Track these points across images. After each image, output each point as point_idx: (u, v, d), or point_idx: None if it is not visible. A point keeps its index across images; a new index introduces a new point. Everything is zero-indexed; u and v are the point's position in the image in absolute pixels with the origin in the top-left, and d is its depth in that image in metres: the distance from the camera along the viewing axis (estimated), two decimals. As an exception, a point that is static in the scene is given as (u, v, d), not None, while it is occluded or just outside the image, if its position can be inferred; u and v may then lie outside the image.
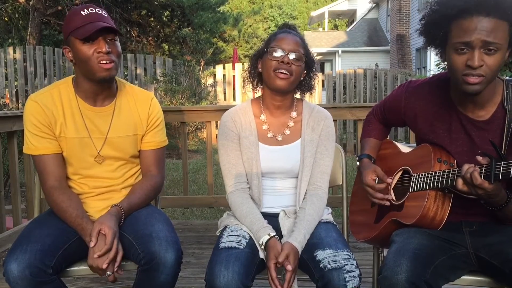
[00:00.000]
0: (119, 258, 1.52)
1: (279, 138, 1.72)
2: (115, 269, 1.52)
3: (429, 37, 1.49)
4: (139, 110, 1.75)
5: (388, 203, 1.63)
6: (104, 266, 1.48)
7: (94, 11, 1.58)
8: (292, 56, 1.62)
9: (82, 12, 1.57)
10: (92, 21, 1.55)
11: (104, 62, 1.57)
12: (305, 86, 1.76)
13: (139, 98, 1.77)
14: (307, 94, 1.79)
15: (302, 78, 1.71)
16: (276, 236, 1.55)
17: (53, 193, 1.62)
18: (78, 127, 1.66)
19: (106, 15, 1.61)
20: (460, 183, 1.38)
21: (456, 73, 1.41)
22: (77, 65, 1.62)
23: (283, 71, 1.61)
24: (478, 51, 1.35)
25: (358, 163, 1.80)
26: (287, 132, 1.72)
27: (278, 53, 1.62)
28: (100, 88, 1.67)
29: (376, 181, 1.68)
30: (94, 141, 1.68)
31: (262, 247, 1.54)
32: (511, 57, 1.44)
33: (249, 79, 1.78)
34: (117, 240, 1.54)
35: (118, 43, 1.63)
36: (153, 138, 1.78)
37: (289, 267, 1.45)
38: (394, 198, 1.65)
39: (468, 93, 1.41)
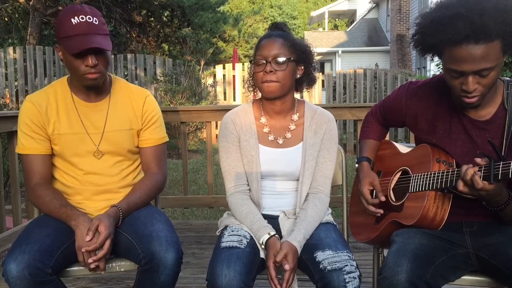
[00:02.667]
0: (100, 255, 1.52)
1: (280, 141, 1.71)
2: (94, 261, 1.53)
3: (422, 51, 1.50)
4: (134, 106, 1.77)
5: (379, 215, 1.65)
6: (85, 257, 1.51)
7: (84, 19, 1.54)
8: (274, 62, 1.60)
9: (72, 20, 1.54)
10: (82, 33, 1.53)
11: (89, 74, 1.59)
12: (306, 80, 1.73)
13: (134, 94, 1.79)
14: (307, 94, 1.78)
15: (299, 75, 1.69)
16: (276, 235, 1.55)
17: (37, 189, 1.65)
18: (72, 123, 1.69)
19: (97, 22, 1.57)
20: (460, 184, 1.38)
21: (453, 90, 1.44)
22: (65, 64, 1.64)
23: (268, 80, 1.60)
24: (471, 77, 1.36)
25: (356, 165, 1.80)
26: (288, 135, 1.71)
27: (261, 64, 1.61)
28: (93, 89, 1.70)
29: (373, 192, 1.70)
30: (92, 136, 1.70)
31: (263, 246, 1.54)
32: (510, 57, 1.44)
33: (250, 89, 1.77)
34: (110, 241, 1.55)
35: (108, 53, 1.62)
36: (151, 135, 1.79)
37: (287, 267, 1.45)
38: (394, 199, 1.65)
39: (466, 107, 1.45)
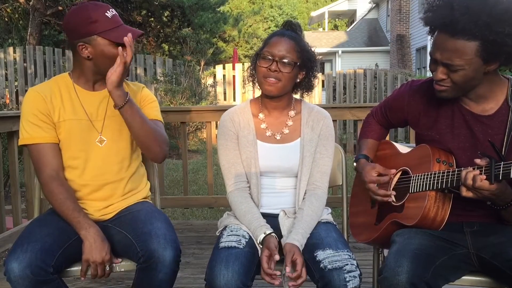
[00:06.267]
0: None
1: (278, 137, 1.72)
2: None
3: (429, 29, 1.52)
4: (132, 95, 1.75)
5: (391, 199, 1.63)
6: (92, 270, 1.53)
7: (115, 13, 1.65)
8: (280, 63, 1.61)
9: (106, 14, 1.61)
10: (120, 25, 1.63)
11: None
12: (304, 86, 1.74)
13: (131, 86, 1.82)
14: (307, 94, 1.78)
15: (299, 80, 1.70)
16: (273, 234, 1.55)
17: (51, 182, 1.62)
18: (76, 110, 1.69)
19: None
20: (463, 190, 1.38)
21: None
22: (95, 61, 1.64)
23: (270, 78, 1.61)
24: (440, 67, 1.42)
25: (355, 164, 1.80)
26: (286, 131, 1.72)
27: (267, 60, 1.62)
28: (102, 78, 1.69)
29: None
30: (94, 123, 1.70)
31: (260, 246, 1.54)
32: (505, 65, 1.44)
33: (249, 79, 1.78)
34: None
35: None
36: (150, 110, 1.78)
37: (289, 273, 1.46)
38: (394, 199, 1.65)
39: (438, 96, 1.50)
